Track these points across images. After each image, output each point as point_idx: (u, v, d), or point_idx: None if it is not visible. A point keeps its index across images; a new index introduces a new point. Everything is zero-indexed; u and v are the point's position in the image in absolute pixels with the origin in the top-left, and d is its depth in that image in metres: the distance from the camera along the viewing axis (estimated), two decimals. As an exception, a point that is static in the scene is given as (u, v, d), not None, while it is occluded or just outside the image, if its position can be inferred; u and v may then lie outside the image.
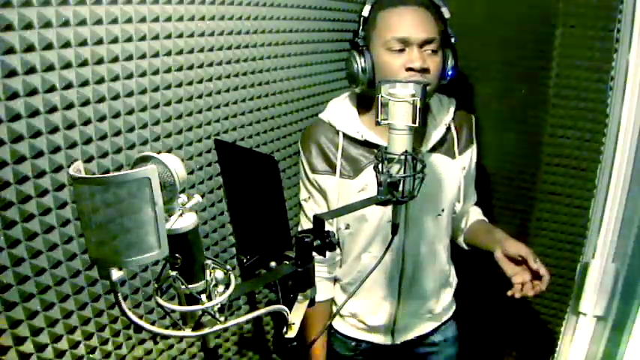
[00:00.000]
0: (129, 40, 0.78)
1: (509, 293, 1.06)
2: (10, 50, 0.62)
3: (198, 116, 0.95)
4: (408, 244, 1.16)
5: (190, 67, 0.90)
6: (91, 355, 0.83)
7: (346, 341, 1.29)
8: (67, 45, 0.69)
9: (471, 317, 1.60)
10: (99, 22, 0.73)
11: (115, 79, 0.77)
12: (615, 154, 1.17)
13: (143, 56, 0.81)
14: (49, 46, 0.66)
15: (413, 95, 0.76)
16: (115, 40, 0.76)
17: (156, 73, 0.84)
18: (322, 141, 1.13)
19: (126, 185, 0.45)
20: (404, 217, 1.14)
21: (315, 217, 0.70)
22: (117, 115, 0.79)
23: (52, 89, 0.68)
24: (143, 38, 0.80)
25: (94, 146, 0.77)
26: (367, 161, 1.11)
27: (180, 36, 0.87)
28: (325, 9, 1.27)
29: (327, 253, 1.17)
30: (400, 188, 0.80)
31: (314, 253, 1.20)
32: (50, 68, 0.67)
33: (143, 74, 0.82)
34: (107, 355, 0.87)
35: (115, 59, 0.76)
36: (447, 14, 1.07)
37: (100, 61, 0.74)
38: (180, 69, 0.88)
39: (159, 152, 0.87)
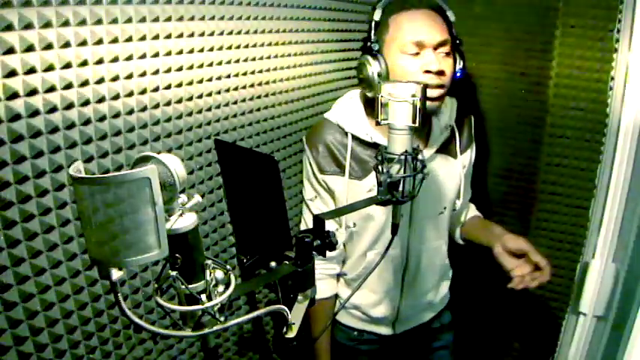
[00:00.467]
0: (129, 40, 0.78)
1: (509, 286, 1.07)
2: (10, 50, 0.62)
3: (198, 116, 0.95)
4: (412, 241, 1.18)
5: (190, 67, 0.90)
6: (91, 355, 0.83)
7: (348, 331, 1.31)
8: (67, 45, 0.69)
9: (471, 317, 1.60)
10: (99, 22, 0.73)
11: (115, 79, 0.77)
12: (615, 154, 1.17)
13: (143, 56, 0.81)
14: (49, 46, 0.66)
15: (413, 95, 0.76)
16: (115, 40, 0.76)
17: (156, 73, 0.84)
18: (330, 142, 1.13)
19: (126, 185, 0.45)
20: (409, 216, 1.15)
21: (315, 217, 0.71)
22: (117, 115, 0.79)
23: (52, 89, 0.68)
24: (143, 38, 0.80)
25: (94, 146, 0.76)
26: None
27: (180, 36, 0.87)
28: (325, 9, 1.27)
29: (336, 251, 1.19)
30: (400, 188, 0.80)
31: (332, 252, 1.21)
32: (50, 68, 0.67)
33: (143, 74, 0.82)
34: (107, 355, 0.87)
35: (115, 59, 0.76)
36: (452, 17, 1.08)
37: (100, 61, 0.74)
38: (180, 69, 0.88)
39: (159, 152, 0.87)
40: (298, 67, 1.21)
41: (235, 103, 1.04)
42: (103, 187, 0.45)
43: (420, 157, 0.80)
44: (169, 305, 0.56)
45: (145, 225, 0.47)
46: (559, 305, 1.49)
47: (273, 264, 0.72)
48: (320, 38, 1.28)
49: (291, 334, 0.68)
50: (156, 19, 0.82)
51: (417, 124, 0.77)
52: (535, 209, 1.49)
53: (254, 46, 1.05)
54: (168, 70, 0.86)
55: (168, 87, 0.87)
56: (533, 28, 1.35)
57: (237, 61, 1.01)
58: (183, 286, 0.56)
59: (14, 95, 0.64)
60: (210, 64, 0.95)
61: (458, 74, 1.10)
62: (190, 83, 0.91)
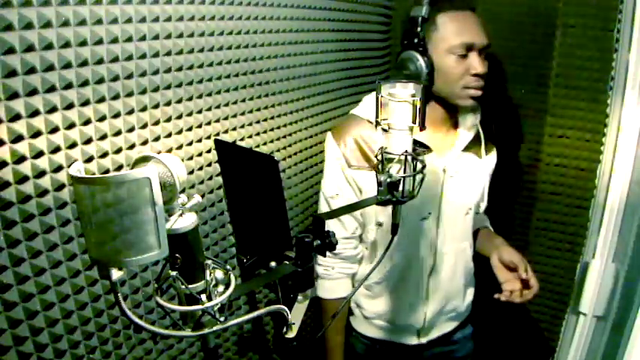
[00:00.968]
0: (129, 40, 0.78)
1: (496, 296, 1.10)
2: (10, 50, 0.62)
3: (198, 116, 0.95)
4: (440, 242, 1.17)
5: (190, 67, 0.90)
6: (91, 355, 0.83)
7: (369, 343, 1.28)
8: (67, 45, 0.69)
9: (471, 318, 1.59)
10: (99, 22, 0.73)
11: (115, 79, 0.77)
12: (615, 154, 1.17)
13: (143, 56, 0.81)
14: (49, 46, 0.66)
15: (413, 95, 0.76)
16: (115, 40, 0.76)
17: (156, 73, 0.84)
18: (360, 137, 1.11)
19: (126, 185, 0.45)
20: (437, 215, 1.15)
21: (315, 217, 0.70)
22: (117, 115, 0.79)
23: (52, 89, 0.68)
24: (143, 38, 0.80)
25: (94, 146, 0.77)
26: None
27: (180, 36, 0.87)
28: (326, 9, 1.27)
29: (353, 250, 1.19)
30: (400, 188, 0.80)
31: (351, 251, 1.18)
32: (50, 68, 0.67)
33: (143, 74, 0.82)
34: (107, 355, 0.87)
35: (115, 59, 0.76)
36: None
37: (100, 61, 0.74)
38: (180, 69, 0.88)
39: (159, 152, 0.87)
40: (298, 67, 1.21)
41: (235, 103, 1.04)
42: (103, 187, 0.45)
43: (420, 157, 0.80)
44: (169, 305, 0.56)
45: (145, 225, 0.47)
46: (559, 305, 1.49)
47: (273, 264, 0.72)
48: (320, 38, 1.28)
49: (291, 334, 0.68)
50: (156, 19, 0.82)
51: (417, 124, 0.76)
52: (535, 209, 1.49)
53: (254, 46, 1.05)
54: (169, 70, 0.86)
55: (169, 87, 0.87)
56: (533, 28, 1.35)
57: (237, 61, 1.01)
58: (183, 286, 0.56)
59: (14, 95, 0.64)
60: (211, 64, 0.95)
61: None
62: (190, 83, 0.91)
